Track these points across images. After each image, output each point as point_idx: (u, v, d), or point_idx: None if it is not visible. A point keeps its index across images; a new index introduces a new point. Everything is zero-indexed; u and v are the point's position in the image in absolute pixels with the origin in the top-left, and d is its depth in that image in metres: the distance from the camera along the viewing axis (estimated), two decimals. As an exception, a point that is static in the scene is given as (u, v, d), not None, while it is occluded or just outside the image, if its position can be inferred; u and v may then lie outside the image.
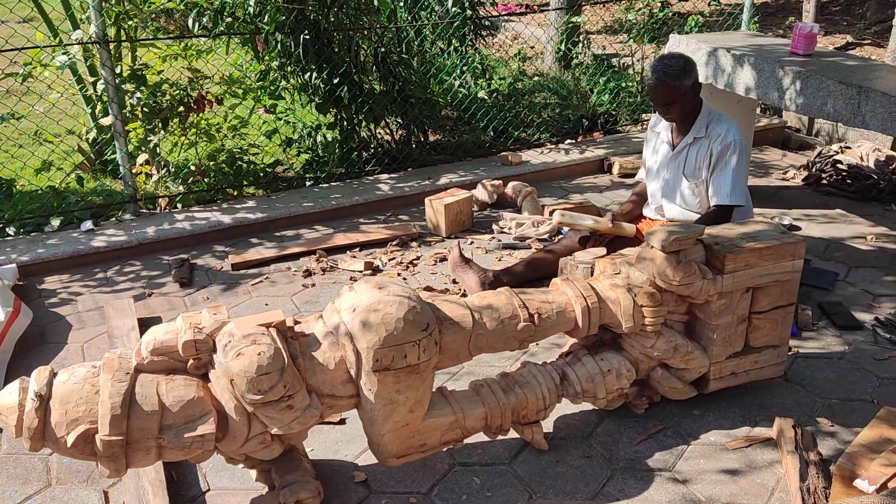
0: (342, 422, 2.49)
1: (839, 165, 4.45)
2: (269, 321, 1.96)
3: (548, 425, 2.43)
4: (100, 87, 3.95)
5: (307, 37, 4.11)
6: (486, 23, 5.65)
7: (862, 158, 4.53)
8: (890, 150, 4.56)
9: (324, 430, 2.45)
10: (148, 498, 2.09)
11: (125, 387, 1.83)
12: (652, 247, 2.29)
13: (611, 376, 2.33)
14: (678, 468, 2.26)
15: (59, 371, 1.89)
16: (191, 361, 1.93)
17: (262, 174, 4.53)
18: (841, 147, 4.72)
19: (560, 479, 2.23)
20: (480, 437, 2.32)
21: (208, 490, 2.23)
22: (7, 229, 3.79)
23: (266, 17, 4.06)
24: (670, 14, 6.07)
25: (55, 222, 3.87)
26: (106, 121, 3.95)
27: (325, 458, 2.34)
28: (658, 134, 3.23)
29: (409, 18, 5.11)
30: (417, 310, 2.01)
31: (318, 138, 4.63)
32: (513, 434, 2.35)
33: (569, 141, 5.08)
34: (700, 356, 2.38)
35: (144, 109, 3.89)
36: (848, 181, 4.34)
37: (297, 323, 2.09)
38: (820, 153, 4.67)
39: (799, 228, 3.86)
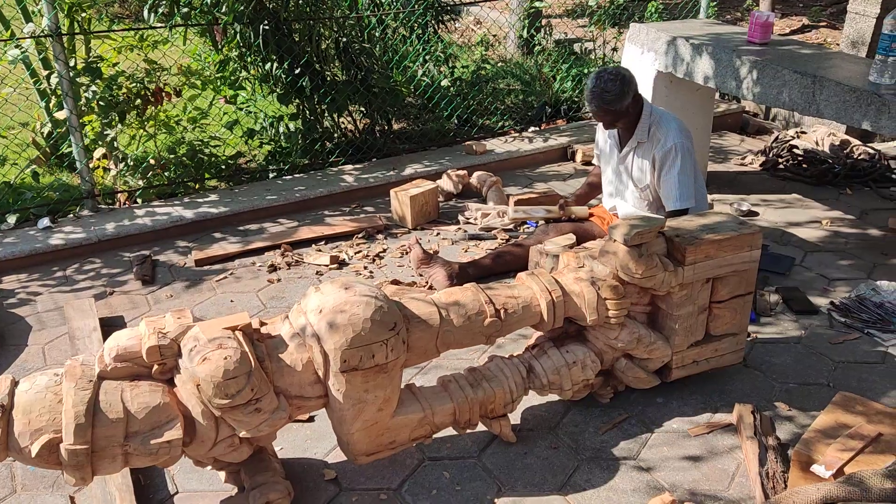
0: (311, 419, 2.50)
1: (795, 150, 4.55)
2: (234, 324, 1.95)
3: (515, 417, 2.47)
4: (53, 80, 3.85)
5: (266, 27, 4.05)
6: (448, 8, 5.63)
7: (817, 143, 4.64)
8: (844, 134, 4.67)
9: (293, 429, 2.45)
10: (114, 500, 2.08)
11: (89, 395, 1.81)
12: (614, 240, 2.33)
13: (576, 368, 2.37)
14: (642, 456, 2.32)
15: (20, 380, 1.86)
16: (155, 367, 1.92)
17: (223, 167, 4.47)
18: (797, 132, 4.82)
19: (528, 471, 2.26)
20: (449, 430, 2.34)
21: (177, 493, 2.22)
22: (-40, 228, 3.70)
23: (224, 6, 3.98)
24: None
25: (11, 219, 3.78)
26: (61, 114, 3.86)
27: (295, 456, 2.34)
28: (607, 138, 3.26)
29: (371, 6, 5.07)
30: (384, 309, 2.02)
31: (281, 129, 4.58)
32: (481, 427, 2.38)
33: (532, 129, 5.10)
34: (663, 346, 2.43)
35: (100, 103, 3.81)
36: (804, 166, 4.44)
37: (262, 325, 2.08)
38: (777, 138, 4.76)
39: (757, 214, 3.95)
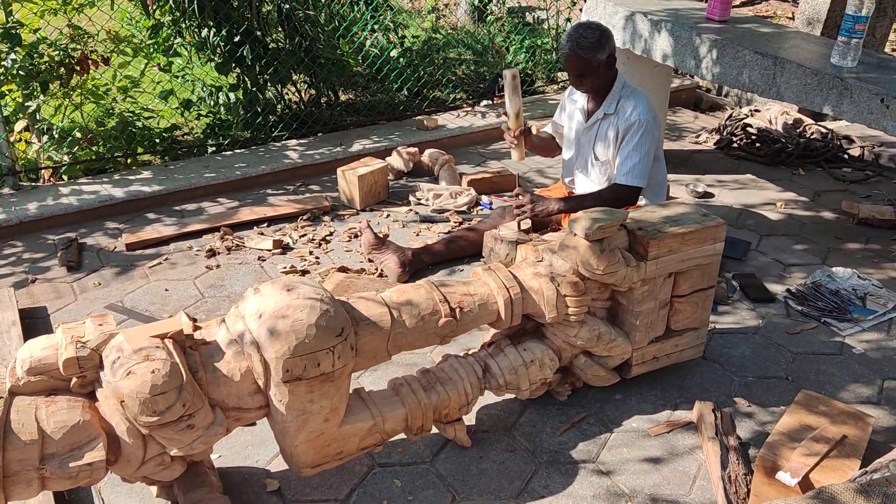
0: (252, 423, 2.33)
1: (749, 129, 4.50)
2: (164, 331, 1.77)
3: (470, 418, 2.36)
4: (-36, 45, 3.51)
5: (202, -9, 3.78)
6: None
7: (771, 122, 4.60)
8: (797, 113, 4.64)
9: (232, 434, 2.27)
10: (34, 525, 1.90)
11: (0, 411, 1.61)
12: (575, 234, 2.20)
13: (534, 367, 2.26)
14: (601, 458, 2.23)
15: (-84, 399, 1.65)
16: (74, 380, 1.72)
17: (157, 140, 4.19)
18: (751, 111, 4.78)
19: (484, 478, 2.16)
20: (401, 435, 2.21)
21: (104, 509, 2.05)
22: None
23: (155, -32, 3.69)
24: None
25: (-80, 199, 3.46)
26: (-26, 84, 3.53)
27: (234, 465, 2.19)
28: (575, 101, 3.12)
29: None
30: (331, 313, 1.86)
31: (220, 100, 4.32)
32: (434, 430, 2.26)
33: (485, 102, 4.93)
34: (623, 343, 2.33)
35: (20, 72, 3.49)
36: (757, 145, 4.40)
37: (196, 328, 1.90)
38: (730, 116, 4.71)
39: (713, 195, 3.89)
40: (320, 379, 1.84)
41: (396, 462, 2.20)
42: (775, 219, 3.67)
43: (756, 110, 4.79)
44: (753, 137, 4.44)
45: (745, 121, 4.60)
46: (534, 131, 3.26)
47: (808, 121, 4.56)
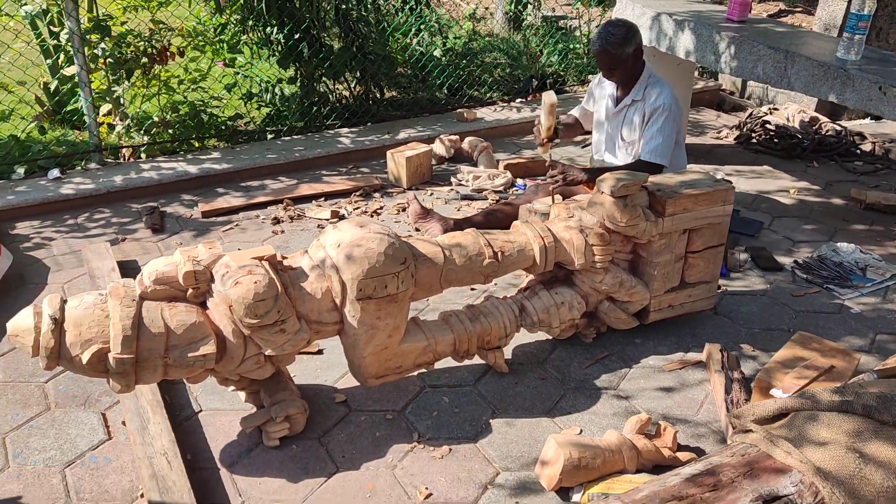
0: (320, 352, 2.72)
1: (767, 126, 4.82)
2: (261, 254, 2.16)
3: (507, 353, 2.71)
4: (63, 37, 3.97)
5: (270, -9, 4.21)
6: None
7: (788, 119, 4.92)
8: (814, 112, 4.95)
9: (304, 360, 2.67)
10: (147, 416, 2.29)
11: (133, 311, 2.01)
12: (602, 192, 2.56)
13: (564, 308, 2.61)
14: (621, 387, 2.57)
15: (67, 298, 2.06)
16: (190, 291, 2.12)
17: (223, 126, 4.63)
18: (770, 109, 5.10)
19: (519, 398, 2.51)
20: (448, 363, 2.58)
21: (200, 411, 2.43)
22: (-28, 176, 3.84)
23: (229, -30, 4.14)
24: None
25: (20, 170, 3.92)
26: (70, 70, 3.99)
27: (307, 383, 2.56)
28: (604, 89, 3.48)
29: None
30: (396, 246, 2.24)
31: (278, 92, 4.75)
32: (476, 361, 2.62)
33: (520, 100, 5.31)
34: (642, 290, 2.68)
35: (109, 60, 3.95)
36: (775, 140, 4.71)
37: (283, 258, 2.29)
38: (751, 114, 5.03)
39: (730, 182, 4.20)
40: (386, 299, 2.22)
41: (444, 384, 2.57)
42: (788, 203, 3.99)
43: (775, 109, 5.11)
44: (771, 133, 4.76)
45: (763, 118, 4.92)
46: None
47: (823, 119, 4.86)
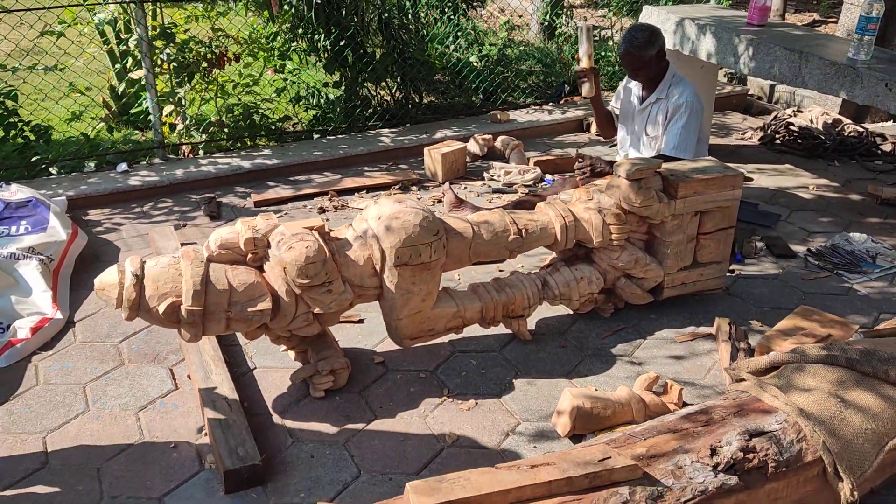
0: (361, 321, 3.01)
1: (791, 127, 4.99)
2: (311, 225, 2.46)
3: (530, 325, 2.96)
4: (132, 43, 4.37)
5: (319, 1, 4.55)
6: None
7: (812, 121, 5.08)
8: (837, 114, 5.11)
9: (346, 328, 2.96)
10: (210, 369, 2.59)
11: (202, 270, 2.32)
12: (619, 176, 2.81)
13: (583, 282, 2.86)
14: (636, 355, 2.81)
15: (145, 259, 2.38)
16: (249, 255, 2.42)
17: (273, 127, 4.98)
18: (794, 111, 5.27)
19: (540, 363, 2.76)
20: (476, 331, 2.84)
21: (255, 368, 2.74)
22: (50, 169, 4.23)
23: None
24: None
25: (91, 164, 4.31)
26: (137, 74, 4.38)
27: (349, 346, 2.85)
28: (630, 89, 3.72)
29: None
30: (430, 219, 2.52)
31: (323, 96, 5.08)
32: (502, 330, 2.87)
33: (551, 104, 5.57)
34: (656, 268, 2.91)
35: (173, 64, 4.32)
36: (798, 141, 4.88)
37: (331, 230, 2.59)
38: (775, 116, 5.21)
39: (751, 179, 4.40)
40: (421, 266, 2.50)
41: (472, 349, 2.83)
42: (807, 198, 4.16)
43: (799, 111, 5.28)
44: (795, 134, 4.93)
45: (787, 120, 5.10)
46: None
47: (846, 121, 5.02)
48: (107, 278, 2.29)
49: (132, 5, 4.05)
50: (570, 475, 1.74)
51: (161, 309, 2.27)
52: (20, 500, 2.16)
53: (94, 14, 4.32)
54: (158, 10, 4.39)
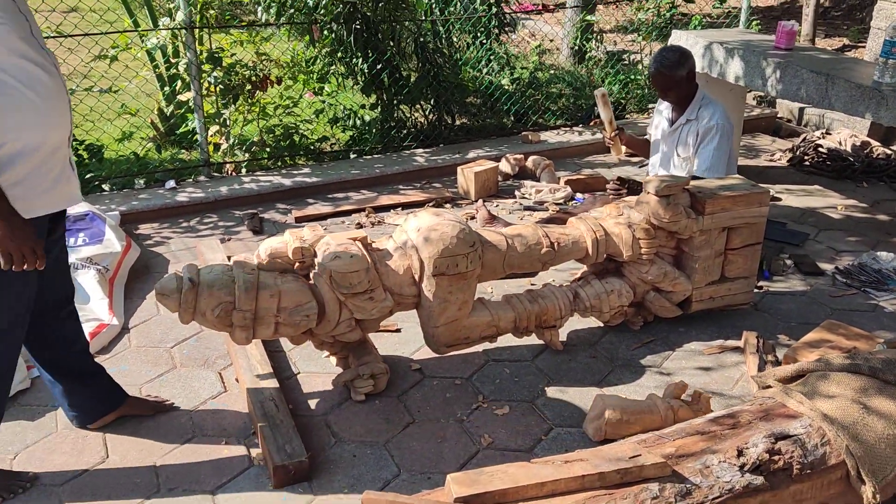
0: (398, 330, 3.13)
1: (820, 149, 5.06)
2: (355, 236, 2.61)
3: (562, 336, 3.06)
4: (181, 66, 4.59)
5: (358, 26, 4.75)
6: (508, 19, 6.28)
7: (840, 143, 5.14)
8: (866, 136, 5.17)
9: (384, 337, 3.08)
10: (258, 371, 2.74)
11: (253, 278, 2.47)
12: (648, 192, 2.92)
13: (613, 295, 2.96)
14: (664, 366, 2.89)
15: (200, 268, 2.53)
16: (297, 264, 2.57)
17: (311, 147, 5.17)
18: (822, 133, 5.33)
19: (572, 372, 2.86)
20: (509, 341, 2.95)
21: (298, 373, 2.87)
22: (102, 186, 4.45)
23: (322, 9, 4.70)
24: (676, 15, 6.67)
25: (140, 182, 4.52)
26: (185, 96, 4.60)
27: (388, 354, 2.97)
28: (661, 112, 3.84)
29: (440, 14, 5.74)
30: (466, 231, 2.65)
31: (360, 118, 5.27)
32: (534, 340, 2.98)
33: (581, 125, 5.70)
34: (685, 281, 3.00)
35: (220, 87, 4.54)
36: (827, 162, 4.95)
37: (372, 241, 2.73)
38: (804, 139, 5.28)
39: (780, 199, 4.47)
40: (457, 276, 2.62)
41: (506, 358, 2.94)
42: (835, 218, 4.23)
43: (828, 133, 5.34)
44: (824, 156, 4.99)
45: (816, 142, 5.16)
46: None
47: (875, 143, 5.07)
48: (166, 284, 2.45)
49: (183, 31, 4.27)
50: (601, 470, 1.84)
51: (215, 313, 2.42)
52: (83, 492, 2.31)
53: (147, 39, 4.55)
54: (207, 36, 4.59)
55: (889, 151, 4.94)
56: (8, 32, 1.92)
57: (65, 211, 2.34)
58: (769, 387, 2.25)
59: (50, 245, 2.22)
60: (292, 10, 4.69)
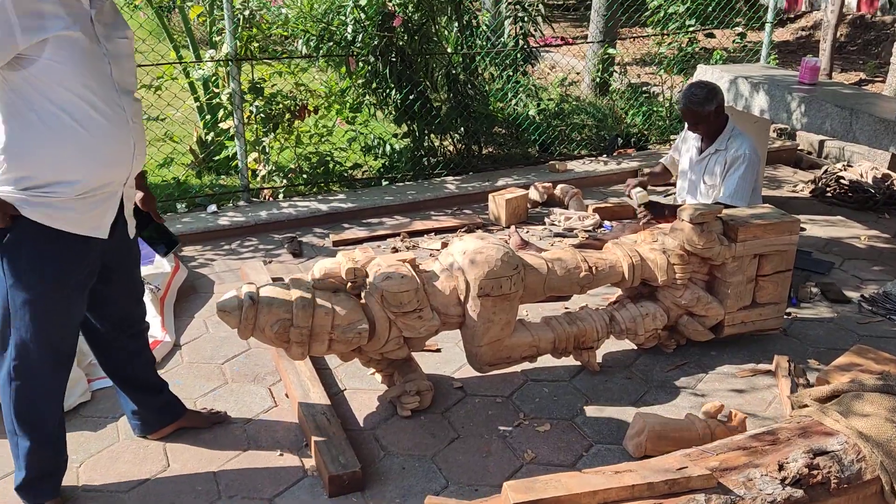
0: (439, 350, 3.25)
1: (842, 181, 5.17)
2: (405, 258, 2.74)
3: (598, 358, 3.16)
4: (223, 96, 4.79)
5: (393, 59, 4.94)
6: (533, 51, 6.46)
7: (862, 175, 5.25)
8: (887, 168, 5.28)
9: (426, 356, 3.20)
10: (308, 387, 2.86)
11: (309, 296, 2.60)
12: (682, 220, 3.04)
13: (648, 318, 3.07)
14: (698, 387, 2.99)
15: (260, 286, 2.67)
16: (349, 283, 2.70)
17: (345, 174, 5.34)
18: (844, 165, 5.45)
19: (608, 392, 2.96)
20: (547, 362, 3.06)
21: (345, 389, 2.99)
22: (146, 210, 4.62)
23: (359, 42, 4.89)
24: (698, 49, 6.84)
25: (181, 207, 4.69)
26: (227, 124, 4.79)
27: (430, 373, 3.09)
28: (688, 140, 3.98)
29: (467, 47, 5.94)
30: (510, 255, 2.78)
31: (388, 147, 5.44)
32: (571, 362, 3.09)
33: (606, 155, 5.85)
34: (717, 306, 3.11)
35: (261, 115, 4.72)
36: (849, 194, 5.05)
37: (420, 263, 2.86)
38: (826, 170, 5.40)
39: (804, 229, 4.58)
40: (501, 298, 2.74)
41: (544, 378, 3.05)
42: (859, 248, 4.33)
43: (849, 165, 5.46)
44: (845, 188, 5.10)
45: (838, 174, 5.28)
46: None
47: (895, 175, 5.18)
48: (227, 301, 2.58)
49: (229, 63, 4.47)
50: (650, 481, 1.94)
51: (274, 329, 2.55)
52: (148, 499, 2.42)
53: (195, 69, 4.76)
54: (250, 67, 4.79)
55: (910, 183, 5.05)
56: (69, 74, 2.01)
57: (126, 236, 2.37)
58: (805, 406, 2.35)
59: (114, 260, 2.32)
60: (331, 43, 4.88)
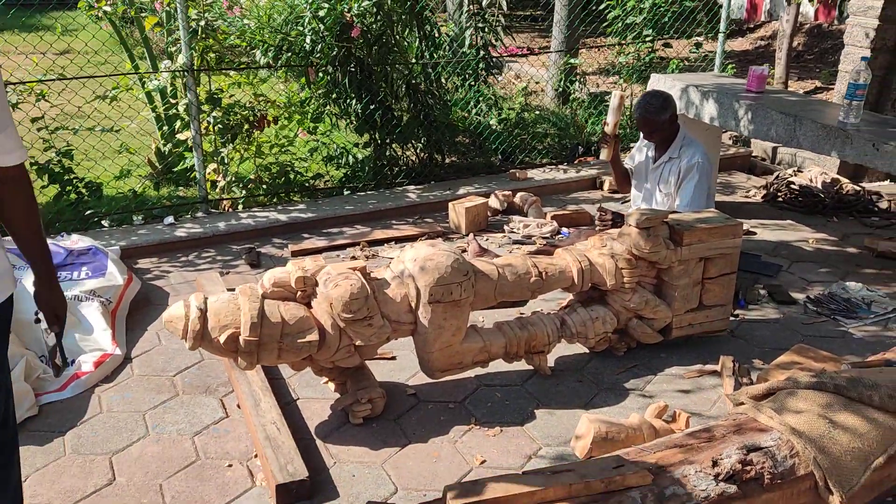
0: (393, 358, 3.27)
1: (792, 185, 5.30)
2: (355, 266, 2.76)
3: (550, 362, 3.21)
4: (181, 106, 4.77)
5: (352, 69, 4.97)
6: (494, 62, 6.54)
7: (811, 180, 5.39)
8: (835, 174, 5.42)
9: (380, 364, 3.22)
10: (259, 397, 2.86)
11: (258, 306, 2.61)
12: (630, 225, 3.11)
13: (598, 322, 3.13)
14: (647, 389, 3.05)
15: (207, 297, 2.67)
16: (299, 293, 2.72)
17: (306, 184, 5.35)
18: (794, 171, 5.59)
19: (559, 395, 3.01)
20: (500, 367, 3.10)
21: (298, 399, 3.00)
22: (102, 222, 4.59)
23: (318, 52, 4.92)
24: (656, 58, 6.97)
25: (138, 218, 4.67)
26: (184, 135, 4.77)
27: (384, 380, 3.11)
28: (643, 150, 4.06)
29: (429, 57, 5.99)
30: (460, 261, 2.81)
31: (352, 156, 5.46)
32: (524, 366, 3.13)
33: (566, 163, 5.92)
34: (665, 309, 3.17)
35: (218, 126, 4.72)
36: (799, 198, 5.18)
37: (371, 271, 2.88)
38: (777, 176, 5.52)
39: (755, 234, 4.68)
40: (452, 304, 2.78)
41: (497, 383, 3.08)
42: (807, 251, 4.43)
43: (800, 171, 5.59)
44: (795, 192, 5.23)
45: (788, 179, 5.41)
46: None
47: (844, 180, 5.32)
48: (174, 311, 2.59)
49: (184, 73, 4.46)
50: (587, 480, 1.98)
51: (222, 339, 2.55)
52: (93, 510, 2.41)
53: (151, 80, 4.74)
54: (207, 77, 4.79)
55: (858, 188, 5.19)
56: None
57: None
58: (742, 403, 2.41)
59: None
60: (289, 54, 4.90)
